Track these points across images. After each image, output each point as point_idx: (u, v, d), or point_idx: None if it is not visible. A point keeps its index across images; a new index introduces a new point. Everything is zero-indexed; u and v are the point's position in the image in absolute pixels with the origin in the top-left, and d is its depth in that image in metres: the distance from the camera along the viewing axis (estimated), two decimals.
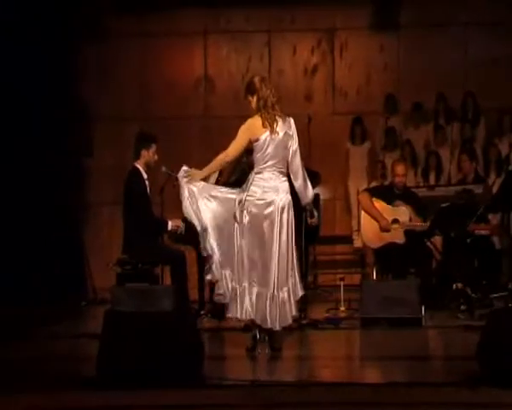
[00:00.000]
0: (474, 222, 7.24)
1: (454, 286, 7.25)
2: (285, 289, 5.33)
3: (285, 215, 5.37)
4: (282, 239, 5.34)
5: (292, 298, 5.35)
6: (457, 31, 9.46)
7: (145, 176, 6.54)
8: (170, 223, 6.55)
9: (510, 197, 6.46)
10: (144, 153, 6.53)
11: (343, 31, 9.77)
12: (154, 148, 6.55)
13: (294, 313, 5.42)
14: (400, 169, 7.32)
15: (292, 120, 5.44)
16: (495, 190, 7.79)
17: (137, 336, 4.50)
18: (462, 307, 6.92)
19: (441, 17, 9.45)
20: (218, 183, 7.15)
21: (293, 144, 5.41)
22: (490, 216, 7.68)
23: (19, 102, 8.57)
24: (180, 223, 6.66)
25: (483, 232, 7.43)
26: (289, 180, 5.50)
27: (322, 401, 4.16)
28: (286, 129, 5.40)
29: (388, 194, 7.35)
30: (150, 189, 6.58)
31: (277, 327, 5.36)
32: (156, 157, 6.55)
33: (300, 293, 5.41)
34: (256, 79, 5.51)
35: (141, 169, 6.54)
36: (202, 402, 4.18)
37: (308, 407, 4.14)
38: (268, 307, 5.33)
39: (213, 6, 9.61)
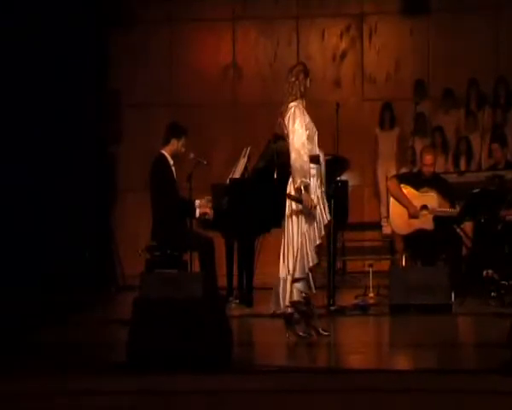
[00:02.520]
0: (505, 208, 7.17)
1: (484, 273, 7.19)
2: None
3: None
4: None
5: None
6: (488, 14, 9.33)
7: (171, 162, 6.59)
8: (198, 210, 6.58)
9: None
10: (174, 142, 6.58)
11: (372, 16, 9.69)
12: (183, 140, 6.60)
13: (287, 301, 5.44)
14: (429, 158, 7.29)
15: None
16: None
17: (166, 322, 4.53)
18: (493, 294, 6.86)
19: (470, 1, 9.33)
20: (246, 169, 7.18)
21: None
22: None
23: (50, 89, 8.64)
24: (208, 209, 6.68)
25: None
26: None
27: (350, 388, 4.16)
28: None
29: (417, 180, 7.31)
30: (177, 175, 6.61)
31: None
32: (184, 149, 6.59)
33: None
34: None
35: (167, 155, 6.58)
36: (231, 388, 4.20)
37: (337, 394, 4.14)
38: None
39: None
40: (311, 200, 5.33)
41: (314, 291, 5.50)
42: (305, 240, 5.38)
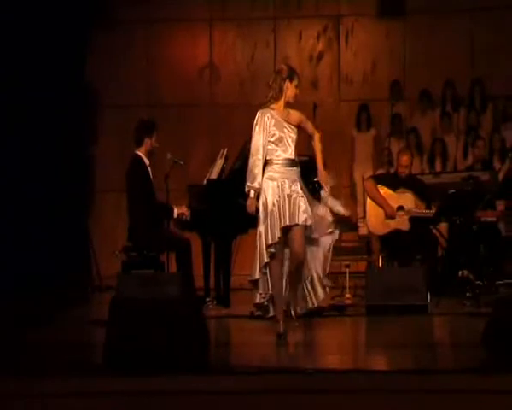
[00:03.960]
0: (480, 209, 7.21)
1: (460, 273, 7.23)
2: None
3: None
4: None
5: None
6: (464, 17, 9.39)
7: (147, 162, 6.56)
8: (175, 210, 6.57)
9: None
10: (147, 140, 6.55)
11: (349, 17, 9.72)
12: (155, 135, 6.58)
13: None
14: (405, 160, 7.34)
15: None
16: (500, 177, 7.76)
17: (143, 322, 4.49)
18: (468, 294, 6.89)
19: (447, 3, 9.39)
20: (223, 170, 7.16)
21: None
22: (496, 203, 7.66)
23: (26, 90, 8.55)
24: (185, 210, 6.66)
25: (489, 219, 7.41)
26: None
27: (327, 389, 4.15)
28: None
29: (393, 181, 7.34)
30: (153, 175, 6.58)
31: None
32: (158, 144, 6.57)
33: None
34: None
35: (143, 156, 6.55)
36: (207, 389, 4.17)
37: (313, 394, 4.13)
38: None
39: None
40: (254, 204, 5.37)
41: (269, 291, 5.48)
42: (261, 241, 5.38)
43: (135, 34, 9.67)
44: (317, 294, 6.01)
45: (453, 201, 7.05)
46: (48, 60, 8.70)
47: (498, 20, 9.27)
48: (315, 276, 6.03)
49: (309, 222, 5.40)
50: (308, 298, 5.96)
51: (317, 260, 6.09)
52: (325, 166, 5.69)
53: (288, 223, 5.34)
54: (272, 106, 5.44)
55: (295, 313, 5.72)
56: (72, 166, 9.00)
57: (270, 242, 5.35)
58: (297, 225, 5.36)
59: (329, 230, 6.39)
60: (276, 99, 5.43)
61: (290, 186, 5.38)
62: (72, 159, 9.00)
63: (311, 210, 5.49)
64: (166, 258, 6.77)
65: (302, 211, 5.37)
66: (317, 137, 5.57)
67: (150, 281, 6.00)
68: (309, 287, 5.92)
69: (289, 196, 5.36)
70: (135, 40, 9.69)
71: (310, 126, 5.59)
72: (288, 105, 5.47)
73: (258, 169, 5.40)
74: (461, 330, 5.85)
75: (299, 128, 5.51)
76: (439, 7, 9.40)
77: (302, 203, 5.39)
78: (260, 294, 5.53)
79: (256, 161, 5.41)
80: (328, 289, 6.21)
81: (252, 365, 4.64)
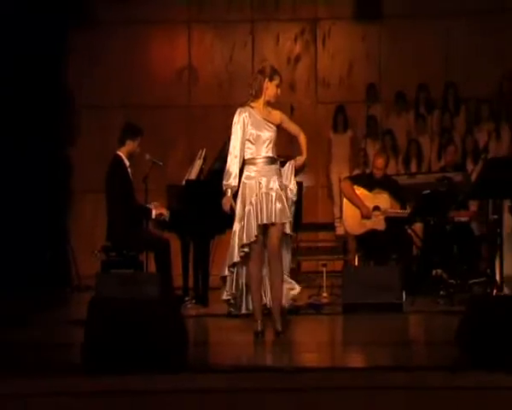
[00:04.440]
0: (453, 209, 7.28)
1: (434, 272, 7.29)
2: None
3: None
4: None
5: None
6: (438, 21, 9.45)
7: (127, 163, 6.56)
8: (153, 211, 6.56)
9: (489, 185, 6.49)
10: (129, 143, 6.57)
11: (326, 20, 9.75)
12: (139, 140, 6.60)
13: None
14: (380, 162, 7.40)
15: None
16: (473, 177, 7.82)
17: (122, 322, 4.48)
18: (442, 293, 6.95)
19: (423, 8, 9.45)
20: (201, 171, 7.16)
21: None
22: (469, 203, 7.73)
23: (5, 88, 8.48)
24: (164, 210, 6.66)
25: (462, 219, 7.48)
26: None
27: (304, 386, 4.16)
28: None
29: (369, 181, 7.39)
30: (133, 176, 6.57)
31: None
32: (139, 150, 6.59)
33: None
34: None
35: (123, 157, 6.55)
36: (186, 387, 4.17)
37: (291, 392, 4.15)
38: None
39: None
40: (229, 202, 5.37)
41: (234, 290, 5.47)
42: (234, 240, 5.38)
43: (113, 35, 9.63)
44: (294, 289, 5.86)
45: (427, 201, 7.10)
46: (25, 59, 8.63)
47: (471, 24, 9.36)
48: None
49: (285, 221, 5.39)
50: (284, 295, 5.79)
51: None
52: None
53: (265, 221, 5.33)
54: (252, 104, 5.44)
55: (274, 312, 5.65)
56: (50, 166, 8.94)
57: (245, 241, 5.34)
58: (274, 224, 5.37)
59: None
60: (256, 97, 5.43)
61: (268, 184, 5.36)
62: (49, 159, 8.94)
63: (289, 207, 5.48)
64: (145, 258, 6.76)
65: (279, 210, 5.35)
66: (302, 136, 5.58)
67: (129, 281, 5.99)
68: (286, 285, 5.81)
69: (267, 194, 5.35)
70: (113, 41, 9.64)
71: (293, 127, 5.59)
72: (269, 104, 5.47)
73: (234, 168, 5.39)
74: (435, 328, 5.90)
75: (280, 128, 5.51)
76: (414, 11, 9.47)
77: (279, 202, 5.36)
78: (227, 291, 5.52)
79: (233, 159, 5.40)
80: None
81: (230, 363, 4.64)
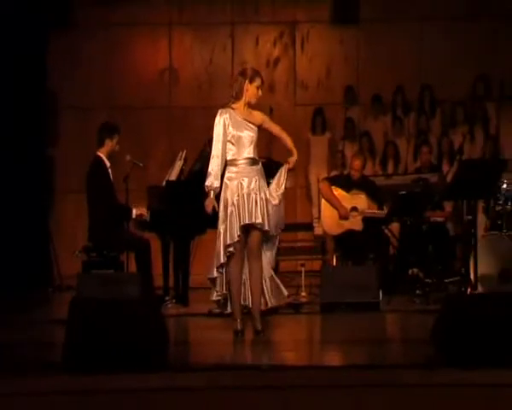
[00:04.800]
0: (429, 209, 7.33)
1: (410, 272, 7.34)
2: None
3: None
4: None
5: None
6: (414, 25, 9.53)
7: (108, 164, 6.54)
8: (134, 211, 6.55)
9: (464, 186, 6.55)
10: (108, 142, 6.55)
11: (304, 24, 9.78)
12: (117, 138, 6.57)
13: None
14: (357, 164, 7.44)
15: None
16: (449, 179, 7.88)
17: (103, 321, 4.46)
18: (418, 292, 7.00)
19: (398, 12, 9.51)
20: (182, 171, 7.15)
21: None
22: (445, 204, 7.79)
23: None
24: (145, 211, 6.64)
25: (438, 219, 7.54)
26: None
27: (283, 385, 4.17)
28: None
29: (347, 182, 7.41)
30: (113, 176, 6.55)
31: None
32: (118, 147, 6.56)
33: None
34: None
35: (103, 158, 6.54)
36: (166, 386, 4.16)
37: (270, 390, 4.15)
38: None
39: None
40: (212, 204, 5.37)
41: (224, 290, 5.48)
42: (219, 241, 5.38)
43: (95, 37, 9.59)
44: (281, 291, 5.74)
45: (404, 202, 7.14)
46: (7, 60, 8.57)
47: (445, 28, 9.43)
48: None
49: (265, 222, 5.39)
50: (267, 296, 5.67)
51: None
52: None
53: (247, 221, 5.33)
54: (233, 106, 5.45)
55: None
56: (32, 167, 8.88)
57: (228, 242, 5.34)
58: (254, 226, 5.36)
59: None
60: (237, 99, 5.44)
61: (249, 185, 5.36)
62: (31, 160, 8.88)
63: (270, 208, 5.46)
64: (126, 258, 6.74)
65: (259, 211, 5.35)
66: (285, 135, 5.57)
67: (110, 281, 5.97)
68: (269, 285, 5.77)
69: (248, 194, 5.35)
70: (95, 43, 9.60)
71: (275, 128, 5.58)
72: (250, 106, 5.47)
73: (216, 169, 5.39)
74: (411, 327, 5.94)
75: (261, 129, 5.51)
76: (390, 15, 9.53)
77: (260, 203, 5.35)
78: (217, 292, 5.53)
79: (214, 161, 5.40)
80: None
81: (209, 362, 4.64)
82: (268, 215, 5.39)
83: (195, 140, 7.39)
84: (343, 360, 4.95)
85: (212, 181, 5.39)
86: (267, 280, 5.58)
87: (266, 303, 5.59)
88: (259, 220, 5.35)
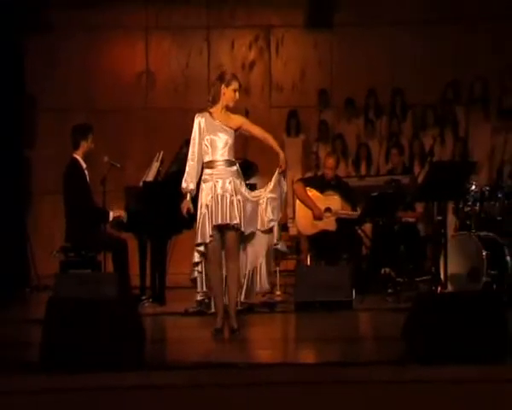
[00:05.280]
0: (401, 210, 7.38)
1: (382, 271, 7.38)
2: None
3: None
4: None
5: None
6: (386, 30, 9.58)
7: (84, 165, 6.51)
8: (111, 213, 6.53)
9: (434, 187, 6.59)
10: (83, 143, 6.53)
11: (279, 28, 9.80)
12: (91, 137, 6.55)
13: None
14: (330, 162, 7.47)
15: None
16: (420, 180, 7.94)
17: (80, 321, 4.43)
18: (390, 291, 7.05)
19: (371, 17, 9.56)
20: (159, 173, 7.13)
21: None
22: (416, 205, 7.84)
23: None
24: (122, 212, 6.61)
25: (409, 220, 7.59)
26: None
27: (259, 382, 4.17)
28: None
29: (321, 184, 7.44)
30: (90, 178, 6.52)
31: None
32: (93, 145, 6.54)
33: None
34: None
35: (80, 159, 6.52)
36: (143, 384, 4.14)
37: (246, 388, 4.15)
38: None
39: (155, 2, 9.52)
40: (187, 206, 5.37)
41: (205, 289, 5.47)
42: (196, 240, 5.38)
43: (72, 39, 9.53)
44: (253, 288, 5.64)
45: (376, 203, 7.19)
46: None
47: (416, 33, 9.50)
48: (255, 269, 5.65)
49: (241, 223, 5.36)
50: (244, 291, 5.61)
51: (255, 256, 5.68)
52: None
53: (220, 222, 5.32)
54: (211, 110, 5.46)
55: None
56: (9, 168, 8.79)
57: (198, 241, 5.34)
58: (229, 226, 5.35)
59: (267, 227, 5.73)
60: (214, 103, 5.45)
61: (223, 186, 5.35)
62: (8, 161, 8.79)
63: (245, 208, 5.41)
64: (103, 258, 6.70)
65: (236, 211, 5.33)
66: (267, 136, 5.55)
67: (87, 280, 5.93)
68: (248, 282, 5.62)
69: (222, 195, 5.34)
70: (72, 45, 9.54)
71: (256, 129, 5.53)
72: (229, 109, 5.46)
73: (191, 172, 5.40)
74: (383, 325, 5.96)
75: (241, 131, 5.49)
76: (362, 21, 9.58)
77: (237, 204, 5.34)
78: (198, 292, 5.53)
79: (190, 163, 5.43)
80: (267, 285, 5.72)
81: (185, 360, 4.63)
82: (244, 216, 5.38)
83: (172, 142, 7.37)
84: (317, 357, 4.97)
85: (187, 183, 5.41)
86: (243, 280, 5.57)
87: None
88: (236, 221, 5.34)
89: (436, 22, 9.43)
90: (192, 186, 5.40)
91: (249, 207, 5.46)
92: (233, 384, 4.16)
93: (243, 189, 5.45)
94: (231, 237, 5.38)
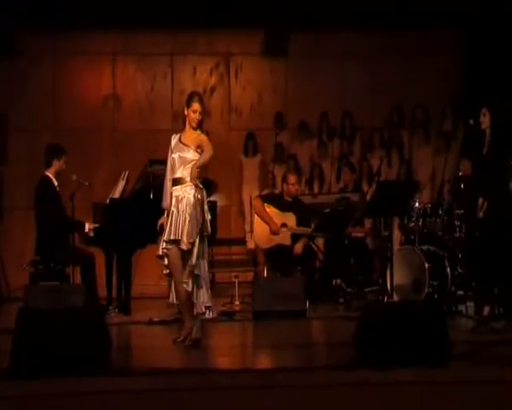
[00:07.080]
0: (351, 226, 7.45)
1: (334, 282, 7.43)
2: None
3: None
4: None
5: None
6: (336, 59, 9.72)
7: (55, 183, 6.45)
8: (87, 225, 6.51)
9: (381, 205, 6.68)
10: (56, 162, 6.48)
11: (238, 55, 9.86)
12: (64, 158, 6.50)
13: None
14: (292, 178, 7.53)
15: None
16: (368, 198, 8.04)
17: (49, 330, 4.38)
18: (341, 300, 7.11)
19: (322, 47, 9.69)
20: (124, 190, 7.09)
21: None
22: (365, 221, 7.93)
23: None
24: (92, 226, 6.60)
25: (359, 235, 7.67)
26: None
27: (219, 386, 4.17)
28: None
29: (278, 201, 7.47)
30: (61, 195, 6.46)
31: None
32: (65, 166, 6.50)
33: None
34: None
35: (51, 177, 6.45)
36: (109, 389, 4.11)
37: (206, 392, 4.14)
38: None
39: (121, 29, 9.50)
40: (161, 222, 5.36)
41: (171, 301, 5.41)
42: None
43: (42, 63, 9.46)
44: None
45: (328, 219, 7.25)
46: None
47: (364, 61, 9.65)
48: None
49: (181, 240, 5.23)
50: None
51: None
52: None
53: (171, 237, 5.27)
54: (184, 131, 5.47)
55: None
56: None
57: (157, 253, 5.35)
58: (174, 242, 5.26)
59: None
60: (184, 124, 5.47)
61: (176, 203, 5.32)
62: None
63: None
64: (72, 270, 6.62)
65: (178, 228, 5.24)
66: (206, 150, 5.37)
67: (56, 292, 5.86)
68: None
69: (173, 212, 5.32)
70: (42, 69, 9.46)
71: (207, 147, 5.39)
72: (198, 128, 5.42)
73: (166, 190, 5.41)
74: (334, 332, 6.00)
75: (202, 150, 5.40)
76: (315, 50, 9.70)
77: (181, 220, 5.26)
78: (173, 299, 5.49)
79: (166, 182, 5.44)
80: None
81: (149, 366, 4.60)
82: (186, 236, 5.22)
83: (137, 161, 7.34)
84: (274, 363, 4.98)
85: (164, 201, 5.43)
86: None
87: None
88: (176, 238, 5.22)
89: (381, 54, 9.61)
90: (166, 205, 5.40)
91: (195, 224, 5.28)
92: (193, 388, 4.15)
93: (190, 207, 5.27)
94: (174, 256, 5.28)
